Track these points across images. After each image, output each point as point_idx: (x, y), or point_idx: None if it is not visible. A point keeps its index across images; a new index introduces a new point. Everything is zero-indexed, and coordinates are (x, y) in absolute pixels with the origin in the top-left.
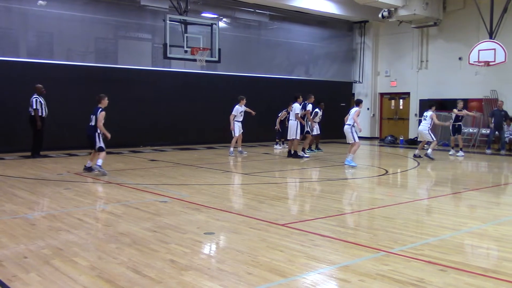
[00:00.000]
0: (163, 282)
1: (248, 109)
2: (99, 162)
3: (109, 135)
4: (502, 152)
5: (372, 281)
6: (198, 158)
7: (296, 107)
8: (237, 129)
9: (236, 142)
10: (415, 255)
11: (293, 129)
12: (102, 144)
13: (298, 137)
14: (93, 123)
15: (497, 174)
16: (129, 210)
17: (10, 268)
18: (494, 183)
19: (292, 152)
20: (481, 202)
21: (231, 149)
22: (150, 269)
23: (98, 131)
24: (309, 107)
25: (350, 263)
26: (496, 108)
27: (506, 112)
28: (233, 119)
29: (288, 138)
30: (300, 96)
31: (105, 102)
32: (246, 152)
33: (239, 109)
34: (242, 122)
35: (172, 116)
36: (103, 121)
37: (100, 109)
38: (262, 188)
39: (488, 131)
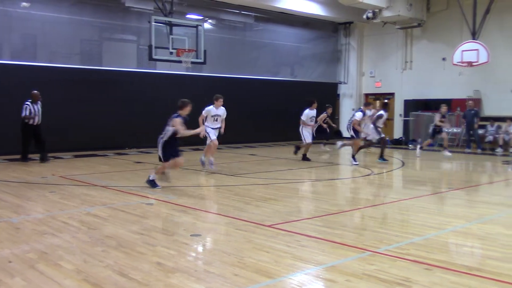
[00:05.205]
0: (150, 285)
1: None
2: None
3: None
4: (479, 151)
5: (358, 281)
6: (184, 160)
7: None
8: (212, 134)
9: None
10: (401, 255)
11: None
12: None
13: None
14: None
15: (480, 173)
16: (115, 213)
17: None
18: (477, 182)
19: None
20: (465, 201)
21: (211, 159)
22: (137, 272)
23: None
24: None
25: (337, 263)
26: (468, 109)
27: (476, 111)
28: (203, 122)
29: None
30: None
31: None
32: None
33: (211, 111)
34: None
35: (158, 117)
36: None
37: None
38: (248, 189)
39: (459, 130)
